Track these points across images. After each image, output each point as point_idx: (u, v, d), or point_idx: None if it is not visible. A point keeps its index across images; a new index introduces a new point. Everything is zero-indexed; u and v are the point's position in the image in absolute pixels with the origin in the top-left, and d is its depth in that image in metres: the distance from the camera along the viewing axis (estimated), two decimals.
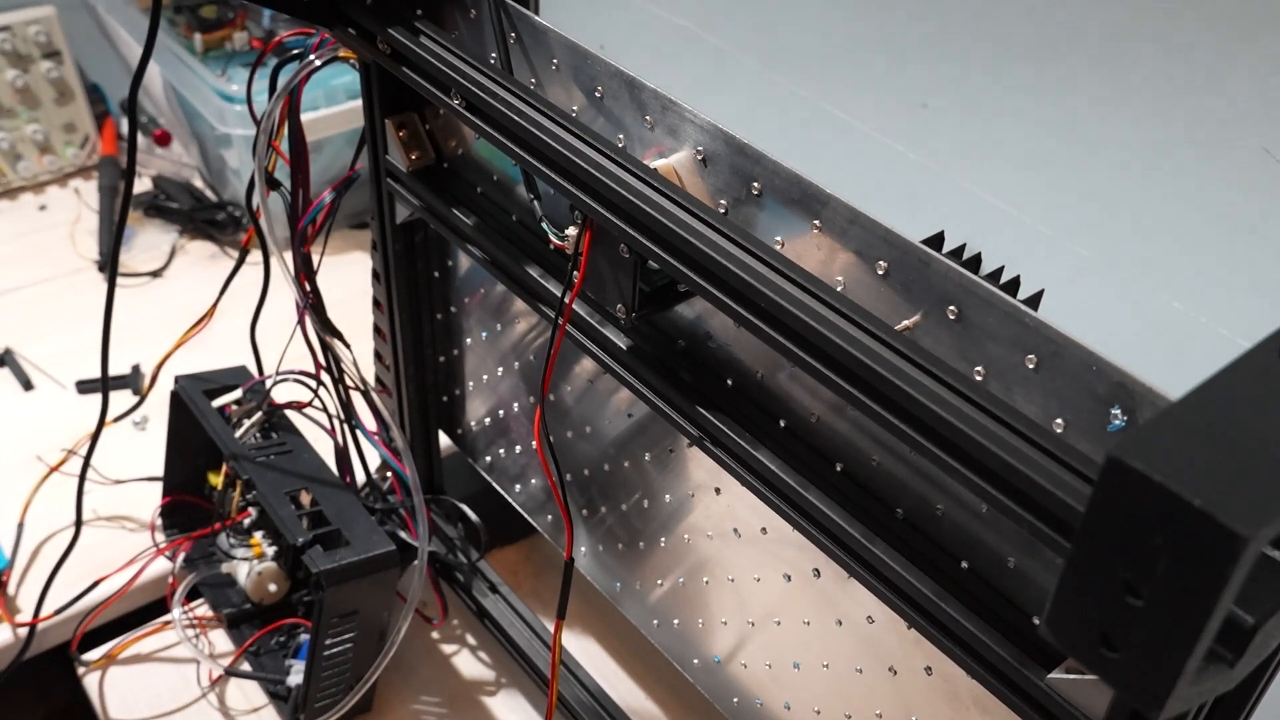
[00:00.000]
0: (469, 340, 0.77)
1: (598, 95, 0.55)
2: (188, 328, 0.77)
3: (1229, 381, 0.27)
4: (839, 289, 0.46)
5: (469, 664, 0.85)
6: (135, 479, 0.91)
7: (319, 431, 0.79)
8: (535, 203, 0.58)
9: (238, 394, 0.79)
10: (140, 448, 0.96)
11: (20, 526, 0.88)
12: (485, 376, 0.77)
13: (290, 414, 0.79)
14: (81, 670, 0.82)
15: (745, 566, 0.62)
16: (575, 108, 0.57)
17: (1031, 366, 0.40)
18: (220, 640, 0.83)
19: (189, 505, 0.86)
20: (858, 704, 0.58)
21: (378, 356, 0.82)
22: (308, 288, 0.72)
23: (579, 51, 0.55)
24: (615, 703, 0.78)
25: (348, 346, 0.73)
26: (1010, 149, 0.74)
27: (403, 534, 0.75)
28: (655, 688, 0.84)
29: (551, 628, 0.70)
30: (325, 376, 0.75)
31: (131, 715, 0.79)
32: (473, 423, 0.82)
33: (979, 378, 0.42)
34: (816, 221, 0.46)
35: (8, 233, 1.21)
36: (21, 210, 1.25)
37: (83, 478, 0.80)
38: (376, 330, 0.80)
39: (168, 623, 0.84)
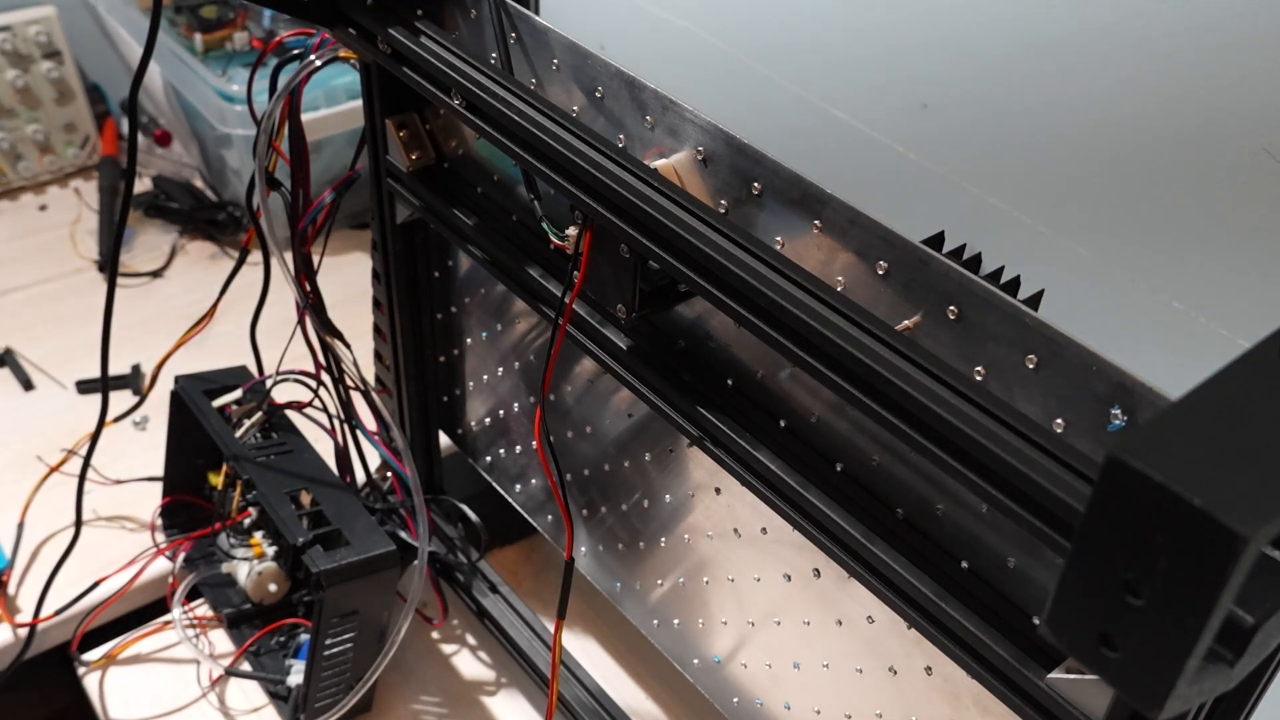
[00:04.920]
0: (469, 340, 0.77)
1: (598, 95, 0.55)
2: (188, 328, 0.77)
3: (1229, 381, 0.27)
4: (839, 289, 0.46)
5: (469, 664, 0.85)
6: (135, 479, 0.91)
7: (319, 431, 0.79)
8: (535, 203, 0.58)
9: (238, 394, 0.79)
10: (140, 448, 0.96)
11: (20, 526, 0.88)
12: (485, 376, 0.77)
13: (290, 414, 0.79)
14: (82, 670, 0.82)
15: (745, 566, 0.62)
16: (576, 108, 0.57)
17: (1031, 366, 0.40)
18: (220, 640, 0.83)
19: (189, 505, 0.86)
20: (858, 704, 0.58)
21: (378, 356, 0.82)
22: (308, 288, 0.72)
23: (579, 51, 0.55)
24: (615, 703, 0.78)
25: (348, 346, 0.73)
26: (1010, 149, 0.74)
27: (403, 534, 0.75)
28: (655, 688, 0.84)
29: (551, 628, 0.70)
30: (325, 376, 0.75)
31: (132, 715, 0.79)
32: (473, 423, 0.82)
33: (979, 378, 0.42)
34: (817, 221, 0.47)
35: (8, 233, 1.21)
36: (22, 210, 1.25)
37: (83, 478, 0.80)
38: (376, 330, 0.80)
39: (168, 623, 0.84)
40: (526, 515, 0.80)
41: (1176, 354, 0.68)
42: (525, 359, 0.73)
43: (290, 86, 0.64)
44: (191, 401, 0.79)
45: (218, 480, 0.81)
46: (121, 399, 1.00)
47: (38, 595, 0.82)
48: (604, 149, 0.50)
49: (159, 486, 0.86)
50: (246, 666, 0.81)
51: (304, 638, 0.80)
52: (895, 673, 0.55)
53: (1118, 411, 0.38)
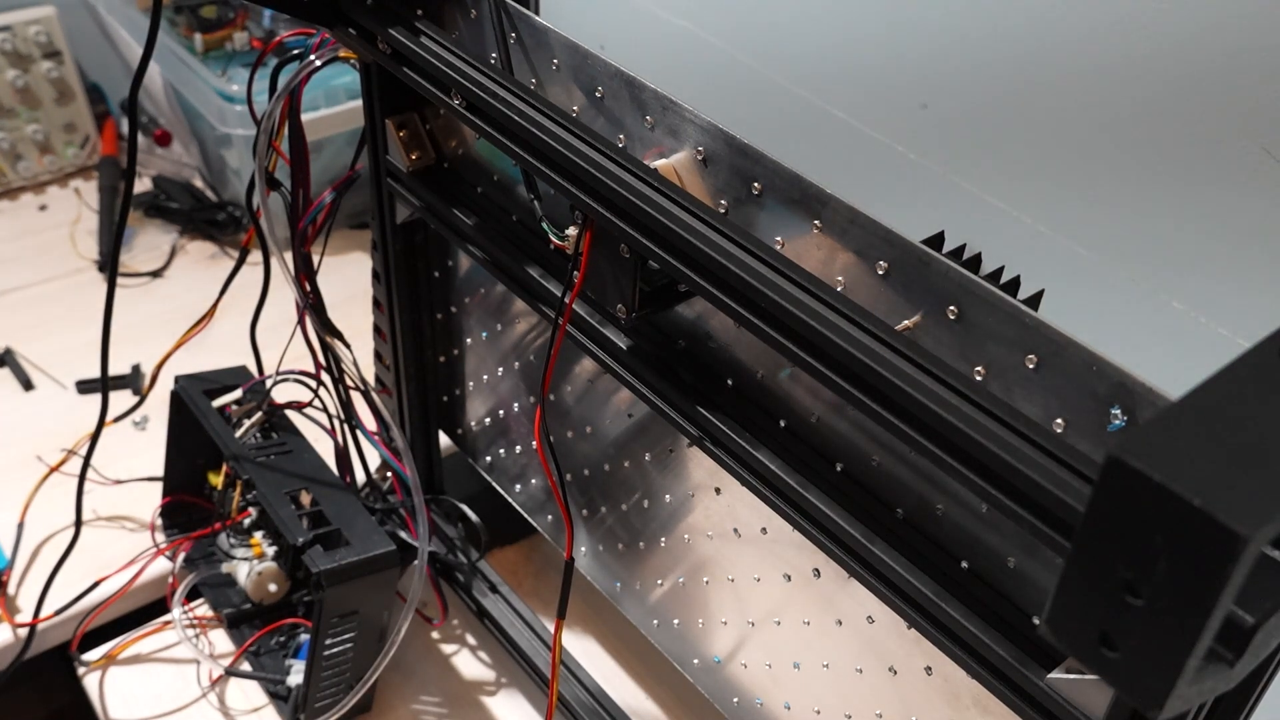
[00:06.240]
0: (469, 340, 0.77)
1: (598, 95, 0.55)
2: (188, 328, 0.77)
3: (1229, 381, 0.27)
4: (839, 289, 0.46)
5: (469, 664, 0.85)
6: (135, 479, 0.91)
7: (319, 431, 0.79)
8: (535, 203, 0.58)
9: (238, 394, 0.79)
10: (140, 448, 0.96)
11: (20, 526, 0.88)
12: (485, 376, 0.77)
13: (290, 414, 0.79)
14: (82, 670, 0.82)
15: (745, 566, 0.62)
16: (575, 108, 0.57)
17: (1031, 366, 0.40)
18: (220, 640, 0.83)
19: (189, 505, 0.86)
20: (858, 704, 0.58)
21: (378, 356, 0.82)
22: (308, 288, 0.72)
23: (579, 51, 0.55)
24: (615, 703, 0.78)
25: (348, 346, 0.73)
26: (1010, 149, 0.74)
27: (403, 534, 0.75)
28: (655, 688, 0.84)
29: (551, 628, 0.70)
30: (325, 376, 0.75)
31: (132, 715, 0.79)
32: (473, 423, 0.82)
33: (979, 378, 0.42)
34: (817, 221, 0.46)
35: (8, 233, 1.21)
36: (22, 210, 1.25)
37: (83, 478, 0.80)
38: (376, 330, 0.80)
39: (168, 623, 0.84)
40: (526, 515, 0.80)
41: (1176, 354, 0.68)
42: (525, 359, 0.73)
43: (290, 86, 0.64)
44: (191, 401, 0.79)
45: (218, 480, 0.81)
46: (121, 399, 1.00)
47: (38, 595, 0.82)
48: (604, 149, 0.50)
49: (159, 486, 0.86)
50: (246, 666, 0.81)
51: (304, 638, 0.80)
52: (895, 673, 0.55)
53: (1118, 411, 0.38)
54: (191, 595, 0.84)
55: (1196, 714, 0.39)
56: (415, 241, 0.73)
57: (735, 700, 0.67)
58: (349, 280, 1.03)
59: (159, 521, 0.86)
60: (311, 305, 0.72)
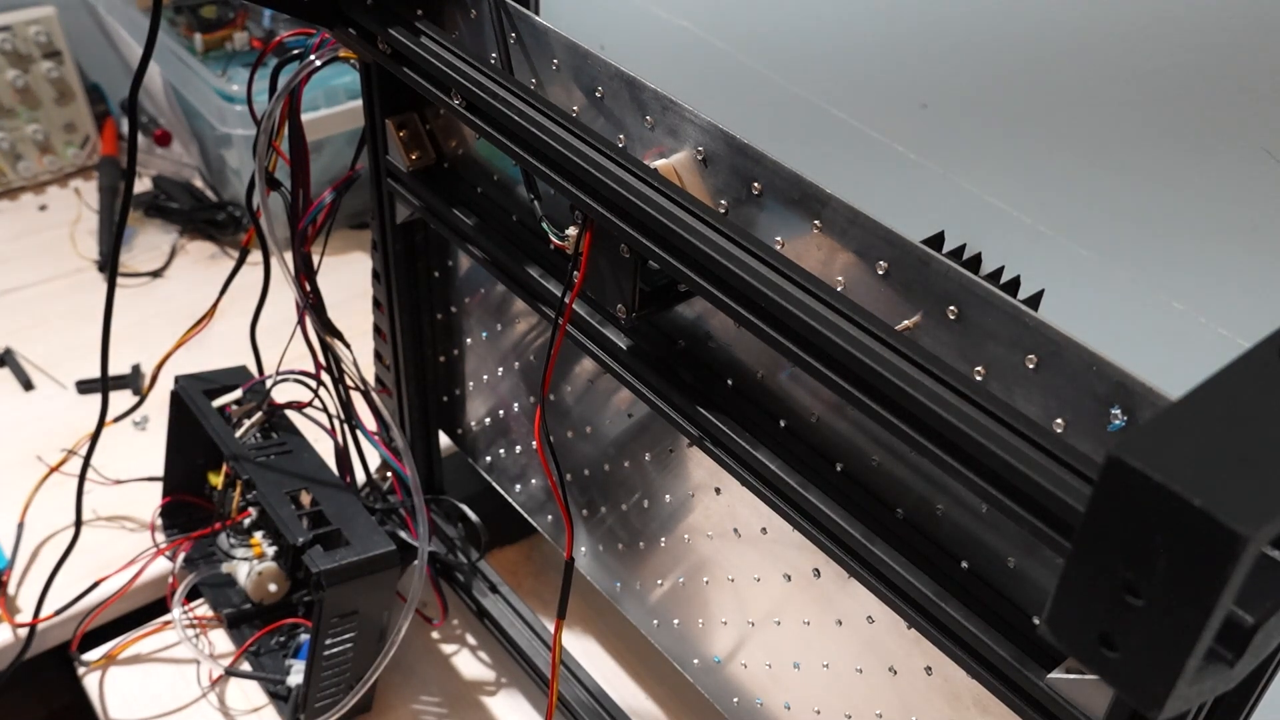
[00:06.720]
0: (469, 340, 0.77)
1: (598, 95, 0.55)
2: (188, 328, 0.77)
3: (1229, 381, 0.27)
4: (839, 289, 0.46)
5: (469, 664, 0.85)
6: (135, 479, 0.91)
7: (319, 431, 0.79)
8: (535, 203, 0.58)
9: (238, 394, 0.79)
10: (140, 448, 0.96)
11: (20, 526, 0.88)
12: (485, 376, 0.77)
13: (290, 414, 0.79)
14: (82, 670, 0.82)
15: (745, 566, 0.62)
16: (575, 108, 0.57)
17: (1031, 366, 0.40)
18: (220, 640, 0.83)
19: (189, 505, 0.86)
20: (858, 704, 0.58)
21: (378, 356, 0.82)
22: (308, 288, 0.72)
23: (579, 51, 0.55)
24: (615, 703, 0.78)
25: (348, 346, 0.73)
26: (1010, 149, 0.74)
27: (403, 534, 0.75)
28: (655, 688, 0.84)
29: (551, 628, 0.70)
30: (325, 376, 0.75)
31: (131, 715, 0.79)
32: (473, 423, 0.82)
33: (979, 378, 0.42)
34: (817, 221, 0.47)
35: (8, 233, 1.21)
36: (22, 210, 1.25)
37: (83, 478, 0.80)
38: (376, 330, 0.80)
39: (168, 623, 0.84)
40: (526, 515, 0.80)
41: (1176, 354, 0.68)
42: (525, 359, 0.73)
43: (290, 86, 0.64)
44: (191, 401, 0.79)
45: (218, 480, 0.81)
46: (121, 399, 1.00)
47: (38, 595, 0.82)
48: (604, 149, 0.50)
49: (159, 486, 0.86)
50: (246, 666, 0.81)
51: (304, 638, 0.80)
52: (895, 673, 0.55)
53: (1118, 411, 0.38)
54: (191, 595, 0.84)
55: (1196, 714, 0.39)
56: (415, 241, 0.73)
57: (735, 700, 0.67)
58: (349, 280, 1.02)
59: (159, 521, 0.86)
60: (311, 305, 0.72)
